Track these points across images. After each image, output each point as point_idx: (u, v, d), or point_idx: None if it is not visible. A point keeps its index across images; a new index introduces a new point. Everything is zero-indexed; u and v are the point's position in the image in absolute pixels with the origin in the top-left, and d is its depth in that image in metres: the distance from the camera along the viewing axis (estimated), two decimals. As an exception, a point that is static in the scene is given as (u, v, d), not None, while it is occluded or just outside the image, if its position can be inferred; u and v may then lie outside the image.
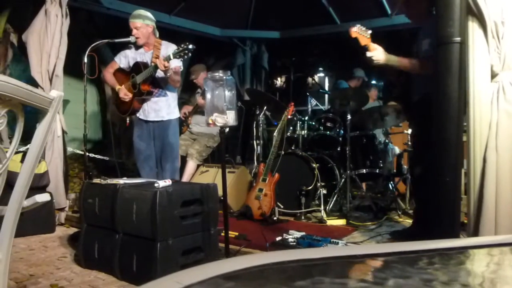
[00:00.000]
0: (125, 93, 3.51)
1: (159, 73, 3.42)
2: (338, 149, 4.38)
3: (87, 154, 3.47)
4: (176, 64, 3.44)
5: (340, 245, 2.82)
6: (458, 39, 2.11)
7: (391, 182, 4.32)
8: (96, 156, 5.31)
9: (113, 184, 2.58)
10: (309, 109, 6.32)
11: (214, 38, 6.39)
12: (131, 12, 3.59)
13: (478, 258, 0.78)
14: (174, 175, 3.65)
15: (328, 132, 4.41)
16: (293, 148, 4.38)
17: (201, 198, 2.56)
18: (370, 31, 2.75)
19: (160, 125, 3.61)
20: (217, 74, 2.39)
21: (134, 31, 3.48)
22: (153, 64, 3.35)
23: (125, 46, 3.67)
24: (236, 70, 6.71)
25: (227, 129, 2.41)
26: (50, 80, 3.72)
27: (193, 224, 2.51)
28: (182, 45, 3.10)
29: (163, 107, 3.59)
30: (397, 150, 5.03)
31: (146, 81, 3.43)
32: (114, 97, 3.81)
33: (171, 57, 3.16)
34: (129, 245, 2.44)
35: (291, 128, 4.45)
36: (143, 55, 3.59)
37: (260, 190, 3.75)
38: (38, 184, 3.42)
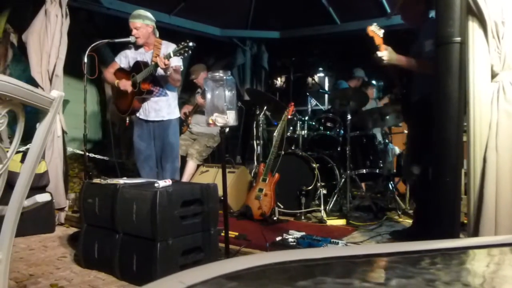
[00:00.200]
0: (124, 84, 3.50)
1: (160, 72, 3.42)
2: (338, 149, 4.38)
3: (87, 154, 3.47)
4: (177, 63, 3.44)
5: (340, 245, 2.82)
6: (458, 39, 2.11)
7: (391, 182, 4.32)
8: (96, 156, 5.31)
9: (113, 184, 2.58)
10: (309, 109, 6.32)
11: (214, 38, 6.39)
12: (131, 12, 3.59)
13: (481, 259, 0.78)
14: (174, 175, 3.65)
15: (328, 132, 4.41)
16: (293, 148, 4.38)
17: (201, 198, 2.56)
18: (383, 31, 2.77)
19: (161, 125, 3.60)
20: (217, 74, 2.39)
21: (134, 31, 3.49)
22: (153, 63, 3.36)
23: (125, 46, 3.67)
24: (236, 70, 6.71)
25: (227, 129, 2.41)
26: (50, 80, 3.71)
27: (193, 224, 2.51)
28: (183, 43, 3.11)
29: (163, 107, 3.59)
30: (397, 150, 5.03)
31: (146, 80, 3.43)
32: (114, 95, 3.81)
33: (172, 55, 3.16)
34: (129, 245, 2.44)
35: (291, 128, 4.45)
36: (143, 55, 3.59)
37: (260, 190, 3.75)
38: (38, 184, 3.42)
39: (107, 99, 6.29)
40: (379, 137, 4.69)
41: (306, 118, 4.64)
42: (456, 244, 0.86)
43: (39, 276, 2.50)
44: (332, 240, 2.85)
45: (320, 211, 3.81)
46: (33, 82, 3.64)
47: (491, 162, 2.09)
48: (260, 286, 0.58)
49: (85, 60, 3.36)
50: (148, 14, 3.56)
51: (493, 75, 2.16)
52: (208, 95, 2.38)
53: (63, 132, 3.86)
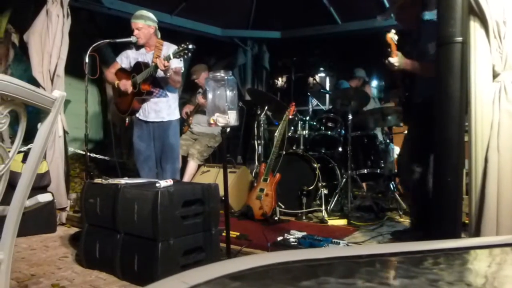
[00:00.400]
0: (124, 85, 3.50)
1: (160, 73, 3.42)
2: (339, 149, 4.38)
3: (88, 154, 3.47)
4: (177, 64, 3.44)
5: (341, 245, 2.82)
6: (459, 39, 2.10)
7: (392, 182, 4.32)
8: (97, 156, 5.31)
9: (114, 184, 2.58)
10: (310, 109, 6.32)
11: (215, 38, 6.40)
12: (132, 12, 3.59)
13: (483, 259, 0.78)
14: (175, 176, 3.65)
15: (329, 132, 4.41)
16: (294, 148, 4.37)
17: (202, 198, 2.56)
18: (397, 37, 2.78)
19: (160, 126, 3.60)
20: (218, 74, 2.39)
21: (136, 32, 3.49)
22: (153, 64, 3.36)
23: (127, 46, 3.67)
24: (237, 70, 6.72)
25: (228, 129, 2.41)
26: (52, 80, 3.72)
27: (194, 224, 2.51)
28: (182, 45, 3.11)
29: (163, 108, 3.58)
30: (398, 150, 5.03)
31: (147, 80, 3.43)
32: (115, 95, 3.81)
33: (171, 56, 3.16)
34: (130, 245, 2.44)
35: (292, 128, 4.45)
36: (144, 56, 3.59)
37: (261, 190, 3.75)
38: (39, 184, 3.42)
39: (108, 99, 6.30)
40: (380, 137, 4.69)
41: (307, 118, 4.63)
42: (458, 244, 0.86)
43: (41, 276, 2.51)
44: (333, 240, 2.85)
45: (321, 211, 3.80)
46: (35, 82, 3.65)
47: (493, 162, 2.09)
48: (264, 286, 0.58)
49: (87, 60, 3.36)
50: (150, 15, 3.56)
51: (495, 75, 2.16)
52: (209, 95, 2.38)
53: (65, 132, 3.87)
